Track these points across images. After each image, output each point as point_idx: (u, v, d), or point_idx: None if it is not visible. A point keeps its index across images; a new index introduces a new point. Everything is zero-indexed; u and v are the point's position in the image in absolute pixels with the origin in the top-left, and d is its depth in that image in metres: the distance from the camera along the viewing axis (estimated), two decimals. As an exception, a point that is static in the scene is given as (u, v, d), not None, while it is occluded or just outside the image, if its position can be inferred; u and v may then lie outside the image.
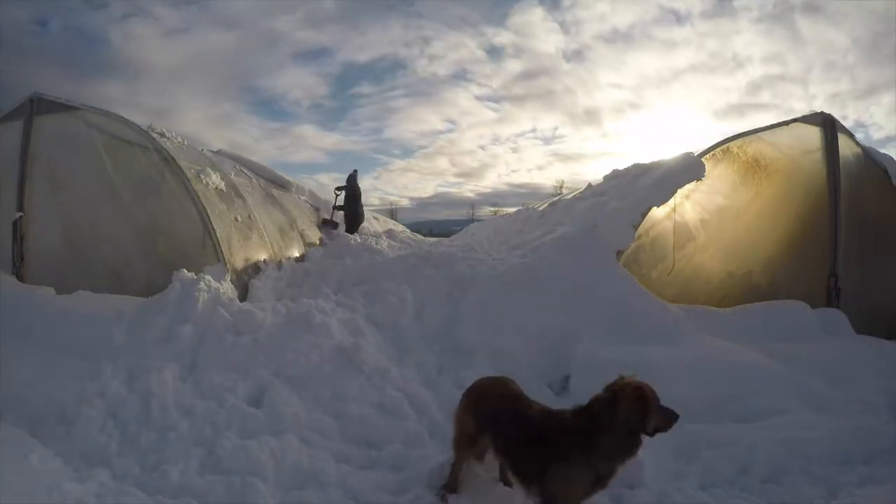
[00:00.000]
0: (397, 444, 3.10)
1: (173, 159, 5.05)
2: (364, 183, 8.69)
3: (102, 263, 5.01)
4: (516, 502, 2.41)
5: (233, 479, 2.60)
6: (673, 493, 2.68)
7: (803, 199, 5.26)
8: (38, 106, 5.16)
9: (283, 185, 8.62)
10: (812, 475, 2.84)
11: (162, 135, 5.42)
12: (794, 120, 5.27)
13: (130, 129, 5.14)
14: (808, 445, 3.01)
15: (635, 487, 2.71)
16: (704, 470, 2.87)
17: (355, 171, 9.29)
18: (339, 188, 9.22)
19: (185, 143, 5.92)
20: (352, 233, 8.58)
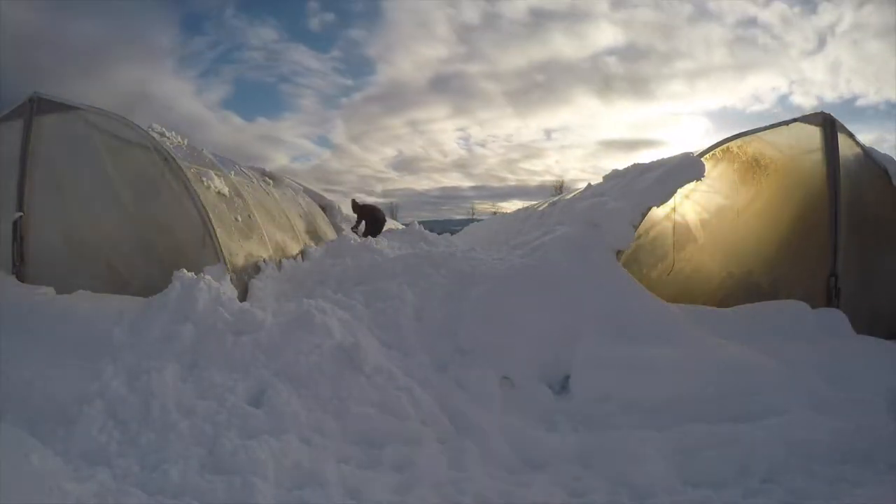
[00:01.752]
0: (398, 443, 3.10)
1: (173, 159, 5.05)
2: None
3: (102, 263, 5.00)
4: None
5: (233, 478, 2.60)
6: (672, 493, 2.68)
7: (803, 199, 5.27)
8: (38, 106, 5.15)
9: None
10: (812, 475, 2.84)
11: (162, 135, 5.41)
12: (795, 120, 5.30)
13: (130, 128, 5.13)
14: (808, 445, 3.01)
15: (634, 487, 2.71)
16: (704, 470, 2.87)
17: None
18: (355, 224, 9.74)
19: (186, 142, 5.92)
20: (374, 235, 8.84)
